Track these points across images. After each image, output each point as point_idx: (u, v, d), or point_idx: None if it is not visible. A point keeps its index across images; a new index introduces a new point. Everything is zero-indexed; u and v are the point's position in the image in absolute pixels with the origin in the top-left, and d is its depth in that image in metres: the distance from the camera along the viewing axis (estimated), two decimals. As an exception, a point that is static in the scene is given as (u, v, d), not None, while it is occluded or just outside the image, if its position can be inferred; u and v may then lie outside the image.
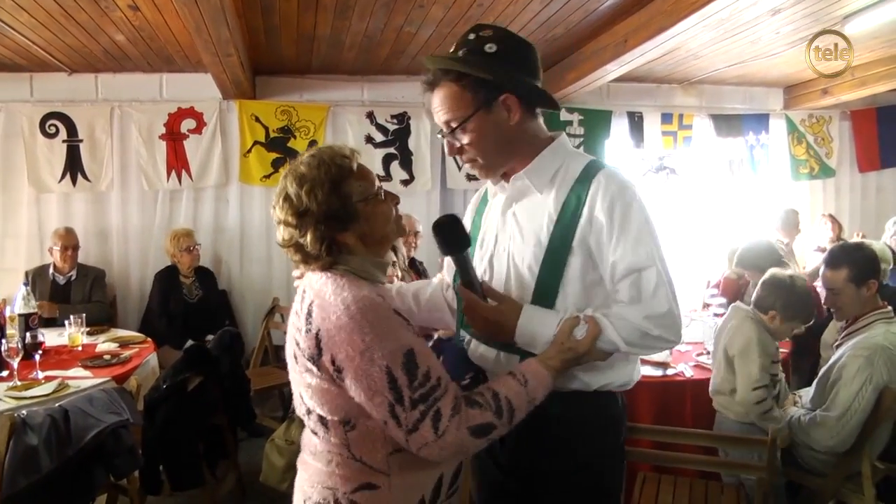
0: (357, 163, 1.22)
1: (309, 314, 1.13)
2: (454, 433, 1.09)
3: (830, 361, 2.39)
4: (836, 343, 2.47)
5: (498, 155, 1.36)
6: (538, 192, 1.35)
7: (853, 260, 2.38)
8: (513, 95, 1.31)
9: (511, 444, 1.36)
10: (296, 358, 1.18)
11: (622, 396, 1.41)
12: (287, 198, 1.17)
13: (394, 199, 1.27)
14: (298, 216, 1.16)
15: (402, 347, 1.09)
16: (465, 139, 1.33)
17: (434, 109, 1.35)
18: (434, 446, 1.09)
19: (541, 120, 1.40)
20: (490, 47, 1.29)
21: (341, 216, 1.16)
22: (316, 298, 1.14)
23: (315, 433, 1.21)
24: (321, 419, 1.17)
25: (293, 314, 1.20)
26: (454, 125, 1.32)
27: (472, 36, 1.32)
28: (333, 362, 1.09)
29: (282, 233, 1.20)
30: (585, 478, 1.34)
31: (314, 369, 1.13)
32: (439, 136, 1.38)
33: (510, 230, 1.38)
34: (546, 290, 1.31)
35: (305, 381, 1.16)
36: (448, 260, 1.47)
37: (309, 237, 1.16)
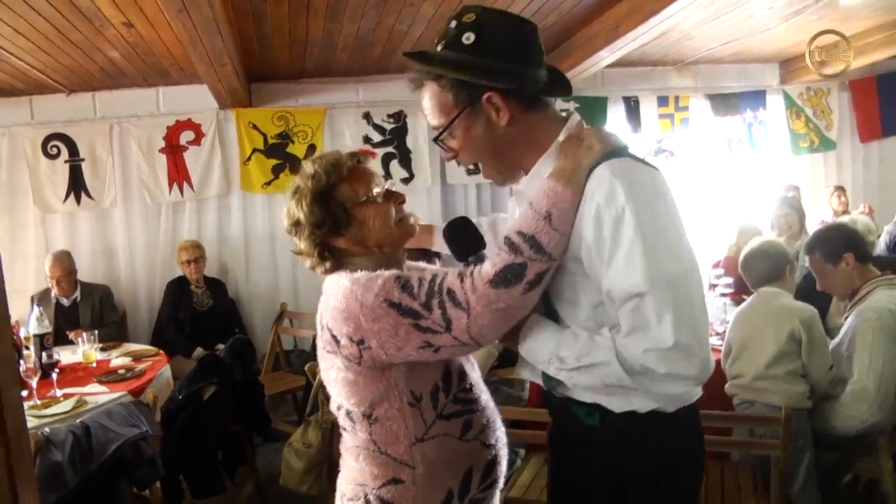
0: (354, 166, 1.24)
1: (321, 314, 1.20)
2: (475, 296, 1.04)
3: (841, 332, 2.40)
4: (845, 315, 2.49)
5: (496, 161, 1.21)
6: None
7: (821, 241, 2.45)
8: (496, 93, 1.13)
9: (559, 452, 1.31)
10: (322, 359, 1.22)
11: (675, 417, 1.15)
12: (287, 211, 1.25)
13: (397, 198, 1.26)
14: (293, 225, 1.24)
15: (389, 278, 1.11)
16: (454, 144, 1.19)
17: (424, 112, 1.22)
18: (475, 323, 1.04)
19: (551, 109, 1.22)
20: (468, 37, 1.11)
21: (330, 224, 1.20)
22: (323, 297, 1.21)
23: (345, 429, 1.24)
24: (348, 414, 1.21)
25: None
26: (440, 130, 1.18)
27: (453, 24, 1.14)
28: (351, 339, 1.11)
29: (295, 242, 1.28)
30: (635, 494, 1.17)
31: (338, 362, 1.16)
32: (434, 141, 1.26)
33: None
34: (547, 305, 1.18)
35: (331, 377, 1.21)
36: None
37: (304, 244, 1.23)
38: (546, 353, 1.13)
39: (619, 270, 1.04)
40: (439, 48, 1.16)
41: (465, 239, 1.25)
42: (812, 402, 2.31)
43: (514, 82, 1.14)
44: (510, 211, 1.38)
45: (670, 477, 1.17)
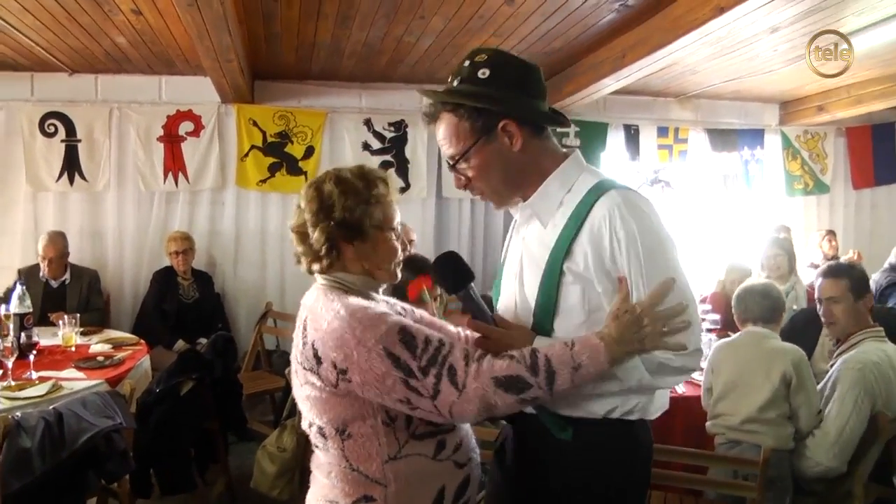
0: (391, 199, 1.31)
1: (304, 329, 1.20)
2: (474, 383, 1.08)
3: (825, 380, 2.41)
4: (831, 363, 2.50)
5: (506, 185, 1.31)
6: (542, 225, 1.29)
7: (852, 272, 2.47)
8: (511, 121, 1.24)
9: (523, 465, 1.33)
10: (297, 373, 1.23)
11: (645, 427, 1.30)
12: (319, 190, 1.26)
13: (403, 245, 1.34)
14: (320, 209, 1.24)
15: (394, 326, 1.13)
16: (470, 172, 1.29)
17: (439, 143, 1.32)
18: (460, 403, 1.09)
19: (552, 140, 1.34)
20: (483, 73, 1.24)
21: (354, 228, 1.24)
22: (309, 313, 1.22)
23: (317, 446, 1.25)
24: (321, 431, 1.21)
25: (294, 333, 1.25)
26: (456, 158, 1.28)
27: (466, 63, 1.27)
28: (335, 366, 1.13)
29: (296, 218, 1.29)
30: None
31: (314, 380, 1.18)
32: (449, 167, 1.35)
33: (519, 254, 1.33)
34: (543, 317, 1.24)
35: (305, 393, 1.21)
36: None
37: (317, 233, 1.24)
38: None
39: (636, 287, 1.17)
40: (455, 83, 1.27)
41: (454, 273, 1.29)
42: (794, 444, 2.32)
43: (526, 111, 1.27)
44: (518, 220, 1.40)
45: (636, 484, 1.29)
